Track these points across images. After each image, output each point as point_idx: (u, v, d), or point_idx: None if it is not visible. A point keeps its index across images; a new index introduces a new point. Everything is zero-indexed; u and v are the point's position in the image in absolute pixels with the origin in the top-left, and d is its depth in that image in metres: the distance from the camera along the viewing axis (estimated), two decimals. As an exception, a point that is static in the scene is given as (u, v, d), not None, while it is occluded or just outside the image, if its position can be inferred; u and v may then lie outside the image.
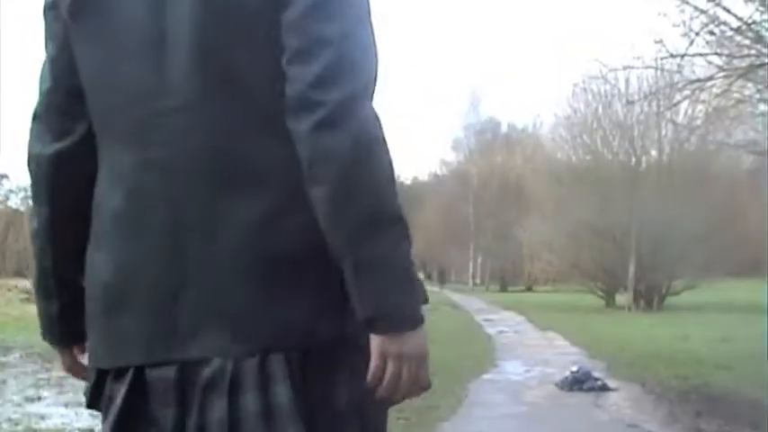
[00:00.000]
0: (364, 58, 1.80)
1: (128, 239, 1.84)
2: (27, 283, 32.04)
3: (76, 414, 8.35)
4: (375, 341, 1.75)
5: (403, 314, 1.75)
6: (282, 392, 1.73)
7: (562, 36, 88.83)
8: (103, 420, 1.90)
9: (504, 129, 63.25)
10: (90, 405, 1.96)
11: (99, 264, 1.90)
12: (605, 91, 33.49)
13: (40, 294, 2.12)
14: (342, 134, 1.70)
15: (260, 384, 1.74)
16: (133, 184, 1.84)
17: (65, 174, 1.99)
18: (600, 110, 34.46)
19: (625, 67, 23.06)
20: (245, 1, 1.78)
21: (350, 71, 1.75)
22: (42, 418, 8.29)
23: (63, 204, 2.00)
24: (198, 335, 1.77)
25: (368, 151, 1.73)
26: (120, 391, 1.84)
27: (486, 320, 23.15)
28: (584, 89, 34.35)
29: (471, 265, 61.63)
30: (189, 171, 1.79)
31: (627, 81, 30.52)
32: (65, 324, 2.08)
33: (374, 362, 1.76)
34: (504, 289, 55.13)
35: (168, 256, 1.79)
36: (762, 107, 12.86)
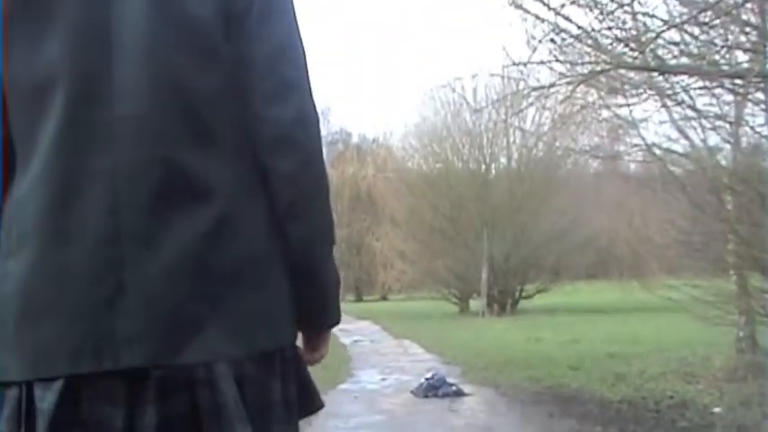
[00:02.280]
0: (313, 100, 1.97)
1: (55, 245, 1.76)
2: None
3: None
4: (327, 334, 2.14)
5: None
6: (228, 392, 1.76)
7: (410, 46, 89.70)
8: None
9: (354, 139, 63.84)
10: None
11: (15, 271, 1.79)
12: (453, 99, 33.93)
13: None
14: (320, 176, 1.97)
15: (208, 387, 1.75)
16: (65, 189, 1.77)
17: None
18: (449, 118, 34.84)
19: (472, 76, 23.39)
20: (198, 18, 1.81)
21: (315, 113, 1.95)
22: None
23: None
24: (136, 343, 1.72)
25: (328, 190, 2.04)
26: (48, 401, 1.73)
27: (342, 330, 23.04)
28: (433, 98, 34.77)
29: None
30: (132, 180, 1.76)
31: (474, 89, 31.03)
32: None
33: (323, 351, 2.15)
34: (359, 299, 55.14)
35: (104, 263, 1.74)
36: (604, 113, 13.17)
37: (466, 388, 11.02)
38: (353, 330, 23.60)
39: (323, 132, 2.29)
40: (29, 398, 1.77)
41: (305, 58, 1.95)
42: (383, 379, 12.85)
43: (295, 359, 1.97)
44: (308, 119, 1.92)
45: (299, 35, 1.96)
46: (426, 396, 10.59)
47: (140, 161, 1.76)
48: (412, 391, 10.89)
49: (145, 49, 1.78)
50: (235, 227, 1.82)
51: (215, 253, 1.78)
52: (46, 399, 1.74)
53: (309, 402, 2.01)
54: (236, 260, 1.82)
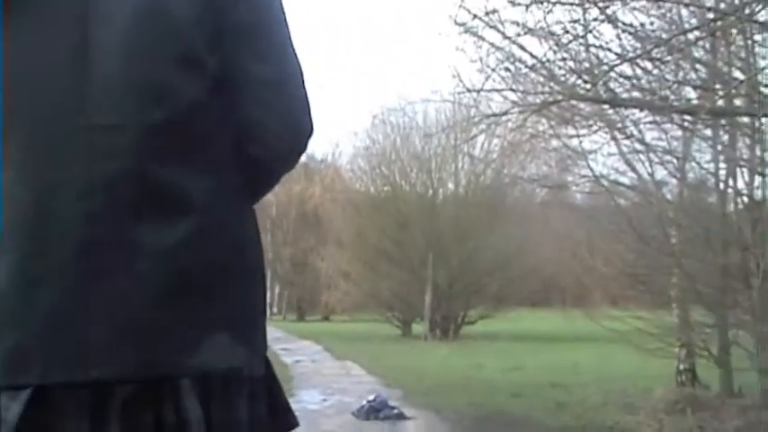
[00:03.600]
0: None
1: (31, 253, 1.73)
2: None
3: None
4: None
5: None
6: (193, 410, 1.72)
7: (362, 68, 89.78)
8: None
9: (302, 158, 63.43)
10: None
11: None
12: (404, 123, 34.02)
13: None
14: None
15: (172, 404, 1.72)
16: (40, 197, 1.73)
17: None
18: (398, 142, 34.90)
19: (423, 101, 23.51)
20: (182, 28, 1.79)
21: (311, 133, 2.03)
22: None
23: None
24: (105, 355, 1.70)
25: None
26: (14, 411, 1.69)
27: (284, 350, 22.91)
28: (383, 121, 34.82)
29: (269, 294, 61.06)
30: (107, 192, 1.73)
31: (425, 114, 31.16)
32: None
33: None
34: (301, 318, 54.85)
35: (78, 273, 1.71)
36: (554, 143, 13.29)
37: (407, 411, 11.02)
38: (295, 350, 23.45)
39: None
40: None
41: (302, 76, 1.97)
42: (324, 400, 12.80)
43: (265, 375, 1.92)
44: (303, 143, 2.02)
45: (295, 51, 1.96)
46: (368, 418, 10.58)
47: (115, 173, 1.73)
48: (353, 413, 10.87)
49: (125, 59, 1.76)
50: (212, 239, 1.79)
51: (190, 265, 1.76)
52: (11, 408, 1.71)
53: (282, 421, 1.96)
54: (213, 273, 1.79)
